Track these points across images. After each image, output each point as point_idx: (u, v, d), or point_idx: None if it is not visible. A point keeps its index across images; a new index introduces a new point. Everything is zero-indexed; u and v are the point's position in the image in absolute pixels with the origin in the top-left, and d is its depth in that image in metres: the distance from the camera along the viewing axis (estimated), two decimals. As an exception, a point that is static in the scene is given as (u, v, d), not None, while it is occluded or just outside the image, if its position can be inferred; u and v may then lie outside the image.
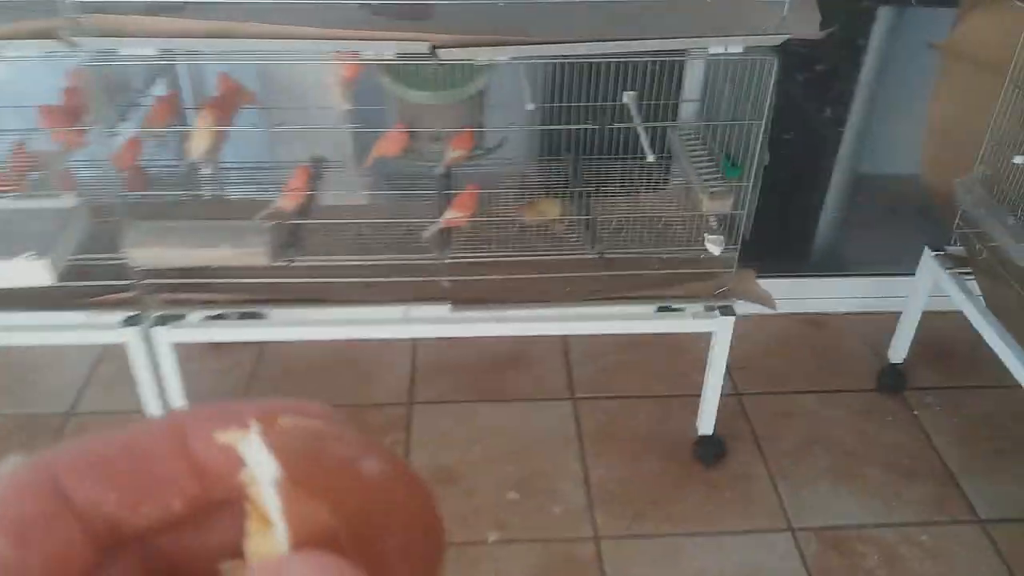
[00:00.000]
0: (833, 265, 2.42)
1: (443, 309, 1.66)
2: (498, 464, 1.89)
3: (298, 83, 1.86)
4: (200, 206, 1.72)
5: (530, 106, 1.58)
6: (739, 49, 1.41)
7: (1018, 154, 1.67)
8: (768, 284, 1.74)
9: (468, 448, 1.92)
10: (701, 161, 1.73)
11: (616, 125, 1.63)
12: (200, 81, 1.87)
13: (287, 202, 1.65)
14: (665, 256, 1.66)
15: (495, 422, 2.01)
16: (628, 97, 1.76)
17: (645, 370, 2.15)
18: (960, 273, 1.89)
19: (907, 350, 2.08)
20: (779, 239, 2.36)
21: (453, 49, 1.37)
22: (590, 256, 1.65)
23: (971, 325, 1.81)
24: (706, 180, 1.67)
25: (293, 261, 1.60)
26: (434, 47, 1.38)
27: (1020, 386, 1.66)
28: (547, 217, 1.71)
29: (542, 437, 1.97)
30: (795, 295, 2.34)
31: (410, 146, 1.77)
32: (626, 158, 1.89)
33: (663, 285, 1.70)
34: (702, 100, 1.94)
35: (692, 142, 1.85)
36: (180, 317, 1.61)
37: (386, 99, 1.79)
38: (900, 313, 2.09)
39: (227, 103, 1.71)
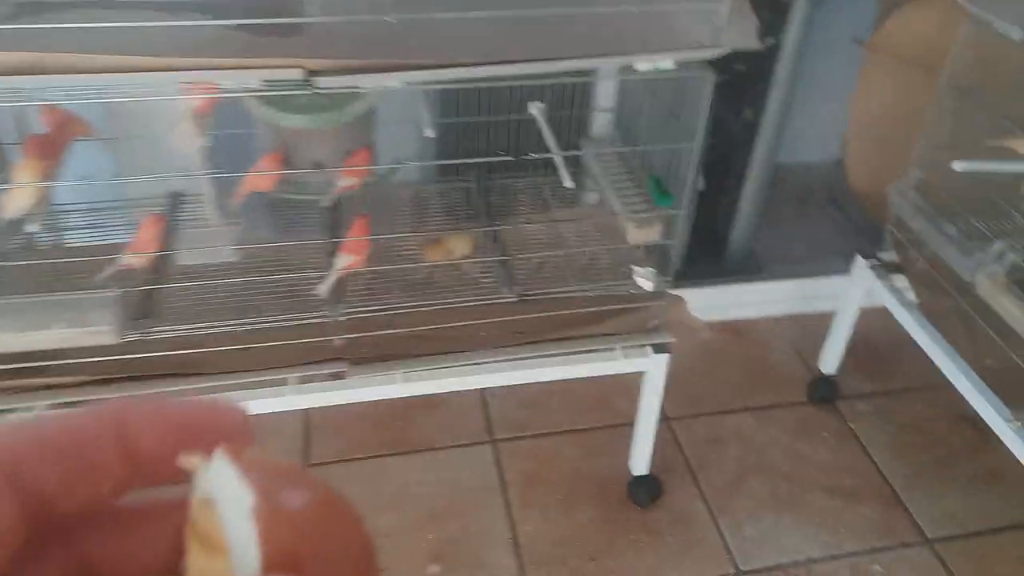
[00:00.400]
0: (751, 268, 2.28)
1: (338, 370, 1.41)
2: (414, 532, 1.67)
3: (147, 106, 1.56)
4: (30, 268, 1.40)
5: (428, 132, 1.35)
6: (670, 65, 1.21)
7: (957, 159, 1.55)
8: (684, 292, 1.56)
9: (378, 515, 1.69)
10: (622, 181, 1.54)
11: (532, 156, 1.41)
12: (23, 116, 1.54)
13: (137, 259, 1.36)
14: (592, 294, 1.47)
15: (406, 478, 1.78)
16: (536, 109, 1.54)
17: (567, 400, 1.96)
18: (892, 281, 1.77)
19: (839, 360, 1.97)
20: (693, 243, 2.21)
21: (332, 76, 1.11)
22: (508, 299, 1.44)
23: (897, 323, 1.71)
24: (630, 206, 1.48)
25: (149, 334, 1.32)
26: (310, 73, 1.12)
27: (949, 385, 1.58)
28: (456, 256, 1.49)
29: (462, 491, 1.76)
30: (713, 301, 2.21)
31: (288, 177, 1.51)
32: (536, 176, 1.69)
33: (589, 322, 1.51)
34: (617, 110, 1.75)
35: (610, 160, 1.66)
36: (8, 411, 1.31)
37: (256, 123, 1.52)
38: (826, 315, 1.99)
39: (56, 139, 1.40)
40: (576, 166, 1.69)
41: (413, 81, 1.15)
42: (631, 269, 1.45)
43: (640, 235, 1.46)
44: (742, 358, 2.14)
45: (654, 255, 1.48)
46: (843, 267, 2.20)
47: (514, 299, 1.43)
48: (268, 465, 0.27)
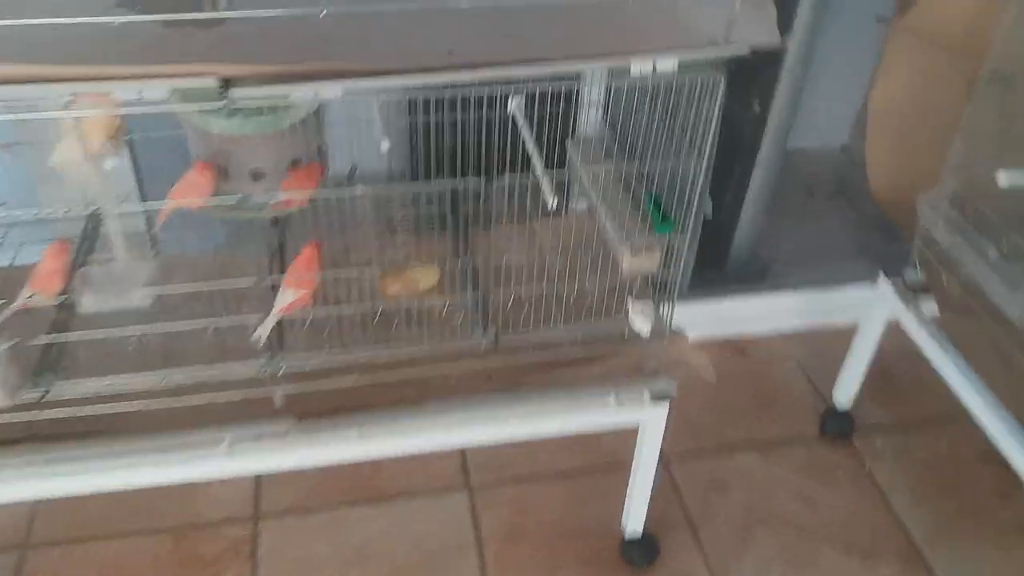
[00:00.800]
0: (756, 274, 2.07)
1: (281, 429, 1.20)
2: (377, 598, 1.46)
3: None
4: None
5: (385, 145, 1.13)
6: (672, 67, 0.99)
7: (1000, 167, 1.34)
8: (680, 306, 1.34)
9: (337, 578, 1.48)
10: (615, 195, 1.32)
11: (500, 182, 1.18)
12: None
13: (37, 298, 1.14)
14: (580, 336, 1.25)
15: (371, 532, 1.57)
16: (515, 105, 1.31)
17: (551, 440, 1.75)
18: (921, 305, 1.57)
19: (855, 393, 1.76)
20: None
21: (253, 87, 0.89)
22: (481, 344, 1.22)
23: (917, 349, 1.51)
24: (624, 229, 1.26)
25: (47, 393, 1.10)
26: (225, 82, 0.89)
27: (973, 420, 1.39)
28: (419, 288, 1.27)
29: (432, 548, 1.55)
30: (713, 315, 2.00)
31: (221, 192, 1.28)
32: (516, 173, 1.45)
33: (576, 365, 1.30)
34: (606, 106, 1.52)
35: (595, 157, 1.43)
36: None
37: (184, 124, 1.29)
38: (840, 330, 1.79)
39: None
40: (559, 163, 1.47)
41: (356, 91, 0.93)
42: (625, 305, 1.23)
43: (636, 264, 1.24)
44: (747, 381, 1.93)
45: (652, 286, 1.27)
46: (857, 274, 2.00)
47: (488, 343, 1.22)
48: None
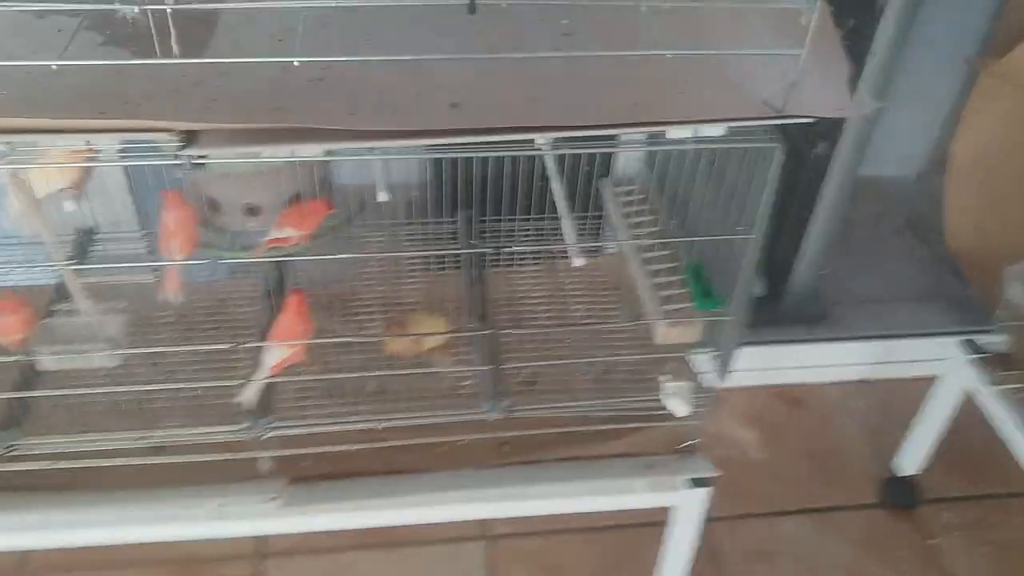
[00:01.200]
0: (815, 314, 1.88)
1: (268, 493, 1.10)
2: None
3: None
4: None
5: (383, 196, 1.00)
6: (718, 132, 0.84)
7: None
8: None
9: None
10: (651, 251, 1.17)
11: (518, 249, 1.04)
12: None
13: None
14: (606, 412, 1.11)
15: (378, 583, 1.47)
16: (543, 140, 1.17)
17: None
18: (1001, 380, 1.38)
19: (922, 462, 1.58)
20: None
21: (216, 147, 0.77)
22: (492, 416, 1.09)
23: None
24: (660, 293, 1.11)
25: (12, 448, 1.01)
26: (184, 137, 0.78)
27: None
28: (425, 348, 1.14)
29: (441, 607, 1.44)
30: (764, 360, 1.83)
31: (211, 228, 1.18)
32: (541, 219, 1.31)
33: (601, 438, 1.16)
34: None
35: (632, 202, 1.28)
36: None
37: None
38: (906, 382, 1.61)
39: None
40: (591, 207, 1.33)
41: (340, 151, 0.80)
42: (658, 382, 1.09)
43: (672, 336, 1.09)
44: (800, 438, 1.76)
45: (690, 363, 1.12)
46: (927, 320, 1.82)
47: (500, 415, 1.09)
48: None
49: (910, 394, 1.59)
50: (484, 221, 1.31)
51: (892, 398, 1.78)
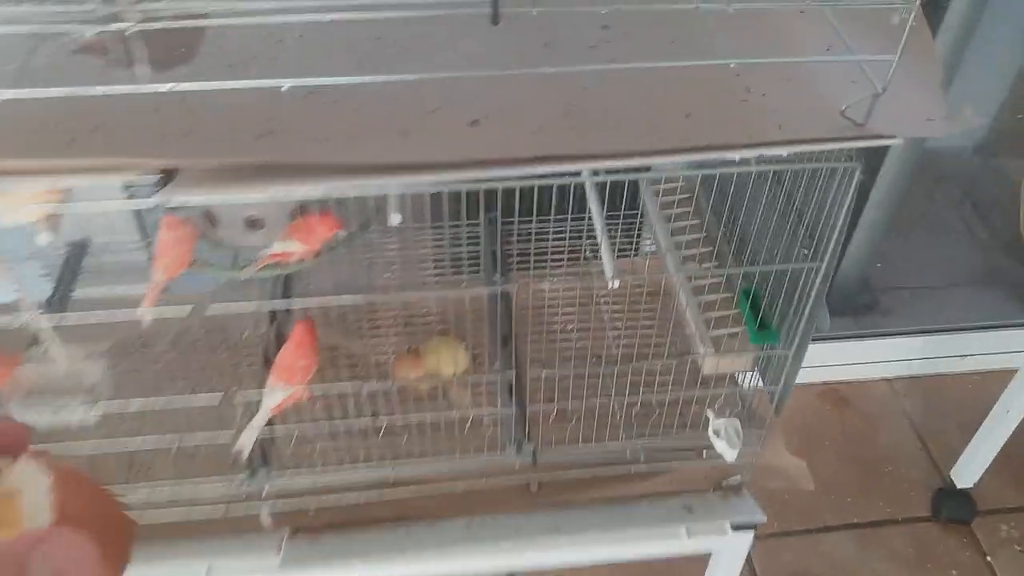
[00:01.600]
0: (864, 304, 1.75)
1: (269, 546, 0.99)
2: None
3: None
4: None
5: (395, 219, 0.87)
6: (783, 153, 0.70)
7: None
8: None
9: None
10: (699, 270, 1.03)
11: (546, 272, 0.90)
12: None
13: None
14: (643, 454, 0.99)
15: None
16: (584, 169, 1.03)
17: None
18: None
19: (980, 473, 1.46)
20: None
21: (197, 188, 0.64)
22: (516, 462, 0.97)
23: None
24: (706, 315, 0.98)
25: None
26: (163, 176, 0.65)
27: None
28: (441, 378, 1.02)
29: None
30: (809, 355, 1.69)
31: (209, 242, 1.05)
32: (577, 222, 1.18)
33: (638, 478, 1.04)
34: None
35: (673, 202, 1.15)
36: None
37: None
38: (960, 376, 1.48)
39: None
40: (630, 205, 1.19)
41: (341, 187, 0.67)
42: (705, 418, 0.96)
43: (720, 366, 0.96)
44: (847, 443, 1.63)
45: (741, 399, 0.99)
46: (986, 311, 1.68)
47: (524, 461, 0.97)
48: (54, 461, 0.52)
49: (967, 393, 1.46)
50: (511, 223, 1.18)
51: (947, 396, 1.66)
